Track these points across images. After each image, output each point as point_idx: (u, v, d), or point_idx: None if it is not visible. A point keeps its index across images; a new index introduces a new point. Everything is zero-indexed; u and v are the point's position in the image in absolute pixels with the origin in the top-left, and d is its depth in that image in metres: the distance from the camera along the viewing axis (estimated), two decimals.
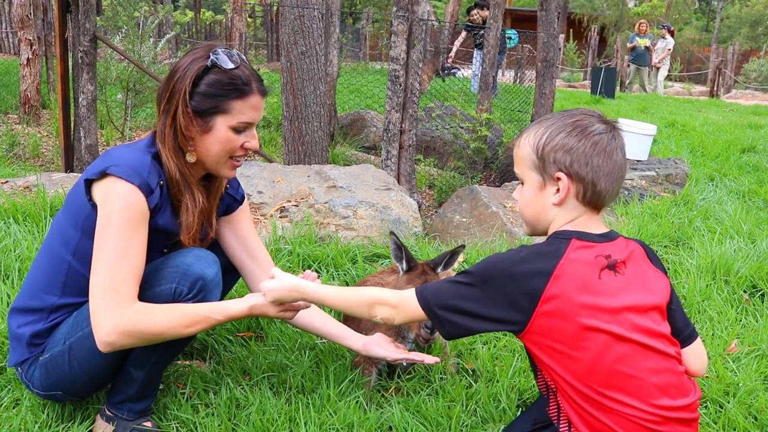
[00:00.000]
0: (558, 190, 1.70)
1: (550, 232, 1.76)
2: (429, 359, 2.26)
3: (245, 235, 2.41)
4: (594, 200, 1.70)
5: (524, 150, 1.76)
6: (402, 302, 1.80)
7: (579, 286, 1.61)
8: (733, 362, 2.69)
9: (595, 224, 1.73)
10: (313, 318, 2.40)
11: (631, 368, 1.60)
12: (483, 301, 1.66)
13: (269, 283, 2.00)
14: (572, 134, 1.69)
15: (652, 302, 1.68)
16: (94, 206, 1.95)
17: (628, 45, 18.23)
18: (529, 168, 1.76)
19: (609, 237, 1.72)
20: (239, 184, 2.41)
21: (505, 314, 1.64)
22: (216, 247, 2.36)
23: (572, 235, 1.68)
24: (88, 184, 1.96)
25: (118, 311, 1.87)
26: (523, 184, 1.80)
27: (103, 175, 1.93)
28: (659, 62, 18.06)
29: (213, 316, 1.97)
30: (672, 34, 18.66)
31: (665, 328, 1.69)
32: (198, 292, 2.00)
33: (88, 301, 1.95)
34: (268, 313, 2.06)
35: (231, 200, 2.36)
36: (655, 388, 1.61)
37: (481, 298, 1.66)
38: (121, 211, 1.90)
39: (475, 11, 12.53)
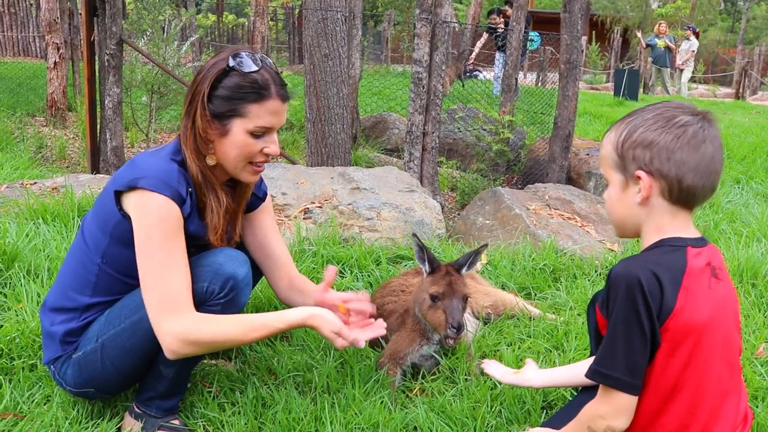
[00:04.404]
0: (640, 189, 1.61)
1: (645, 236, 1.66)
2: None
3: (265, 233, 2.40)
4: (683, 198, 1.59)
5: (606, 149, 1.67)
6: (604, 402, 1.63)
7: (698, 300, 1.55)
8: (761, 366, 2.66)
9: (691, 227, 1.64)
10: None
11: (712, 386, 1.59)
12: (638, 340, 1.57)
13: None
14: (652, 128, 1.58)
15: (736, 309, 1.67)
16: (125, 216, 1.97)
17: (643, 43, 18.11)
18: (611, 167, 1.66)
19: (705, 241, 1.65)
20: (262, 180, 2.40)
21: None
22: (243, 245, 2.38)
23: (687, 243, 1.60)
24: (117, 194, 1.98)
25: (178, 321, 1.91)
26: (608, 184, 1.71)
27: (132, 187, 1.94)
28: (683, 64, 17.87)
29: (273, 324, 2.00)
30: (697, 35, 18.45)
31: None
32: (229, 291, 2.02)
33: (119, 298, 1.98)
34: (322, 328, 2.02)
35: (253, 198, 2.36)
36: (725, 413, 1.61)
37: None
38: (159, 224, 1.92)
39: (494, 15, 12.54)
